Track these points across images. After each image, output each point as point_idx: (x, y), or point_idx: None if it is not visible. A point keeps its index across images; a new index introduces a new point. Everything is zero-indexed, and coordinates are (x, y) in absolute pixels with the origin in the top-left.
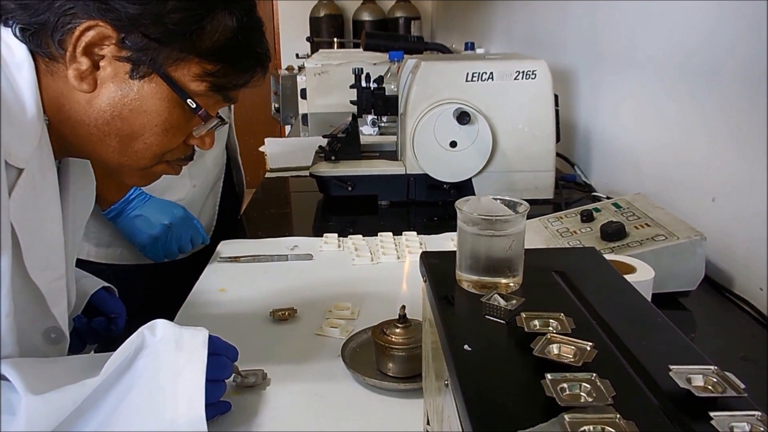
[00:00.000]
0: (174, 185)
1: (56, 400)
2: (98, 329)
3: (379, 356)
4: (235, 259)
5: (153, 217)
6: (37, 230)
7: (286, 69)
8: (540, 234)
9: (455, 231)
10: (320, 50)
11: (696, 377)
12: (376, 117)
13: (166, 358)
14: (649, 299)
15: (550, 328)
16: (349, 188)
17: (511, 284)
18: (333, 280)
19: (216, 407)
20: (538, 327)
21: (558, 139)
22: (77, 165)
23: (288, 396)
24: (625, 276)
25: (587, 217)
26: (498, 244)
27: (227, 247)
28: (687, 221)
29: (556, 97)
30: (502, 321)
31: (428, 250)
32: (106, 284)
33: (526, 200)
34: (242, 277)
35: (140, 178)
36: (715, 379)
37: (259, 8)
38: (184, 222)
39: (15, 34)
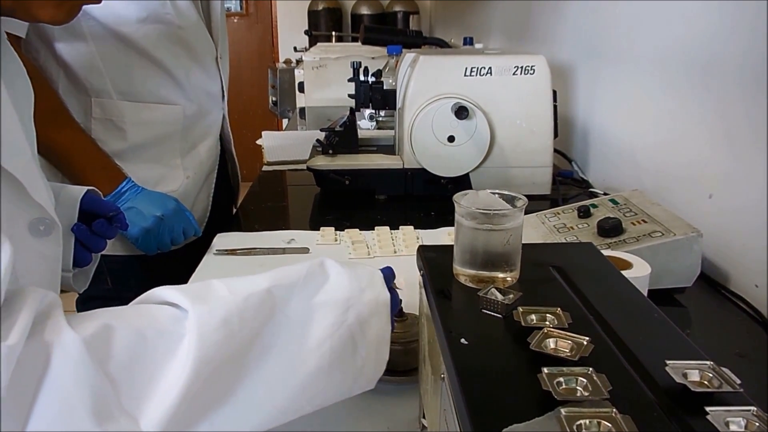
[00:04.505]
0: (167, 177)
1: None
2: (101, 231)
3: None
4: (231, 252)
5: (145, 209)
6: None
7: (284, 62)
8: (537, 229)
9: (452, 225)
10: (318, 44)
11: (692, 372)
12: (374, 111)
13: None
14: (646, 295)
15: (547, 323)
16: (347, 182)
17: (509, 279)
18: None
19: None
20: (535, 321)
21: (556, 135)
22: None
23: None
24: (622, 272)
25: (584, 213)
26: (496, 239)
27: (223, 240)
28: (684, 218)
29: (554, 92)
30: (499, 315)
31: (425, 244)
32: (90, 187)
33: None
34: (238, 270)
35: (54, 9)
36: (710, 375)
37: (258, 2)
38: (177, 214)
39: None
